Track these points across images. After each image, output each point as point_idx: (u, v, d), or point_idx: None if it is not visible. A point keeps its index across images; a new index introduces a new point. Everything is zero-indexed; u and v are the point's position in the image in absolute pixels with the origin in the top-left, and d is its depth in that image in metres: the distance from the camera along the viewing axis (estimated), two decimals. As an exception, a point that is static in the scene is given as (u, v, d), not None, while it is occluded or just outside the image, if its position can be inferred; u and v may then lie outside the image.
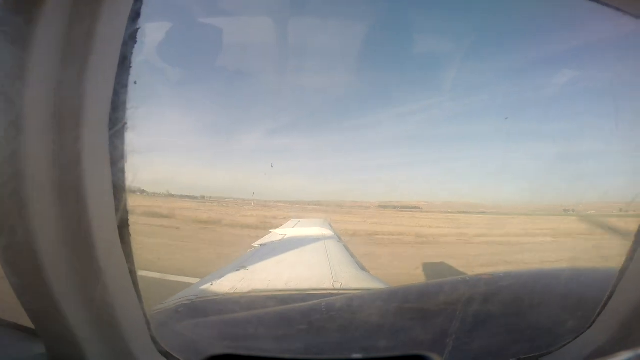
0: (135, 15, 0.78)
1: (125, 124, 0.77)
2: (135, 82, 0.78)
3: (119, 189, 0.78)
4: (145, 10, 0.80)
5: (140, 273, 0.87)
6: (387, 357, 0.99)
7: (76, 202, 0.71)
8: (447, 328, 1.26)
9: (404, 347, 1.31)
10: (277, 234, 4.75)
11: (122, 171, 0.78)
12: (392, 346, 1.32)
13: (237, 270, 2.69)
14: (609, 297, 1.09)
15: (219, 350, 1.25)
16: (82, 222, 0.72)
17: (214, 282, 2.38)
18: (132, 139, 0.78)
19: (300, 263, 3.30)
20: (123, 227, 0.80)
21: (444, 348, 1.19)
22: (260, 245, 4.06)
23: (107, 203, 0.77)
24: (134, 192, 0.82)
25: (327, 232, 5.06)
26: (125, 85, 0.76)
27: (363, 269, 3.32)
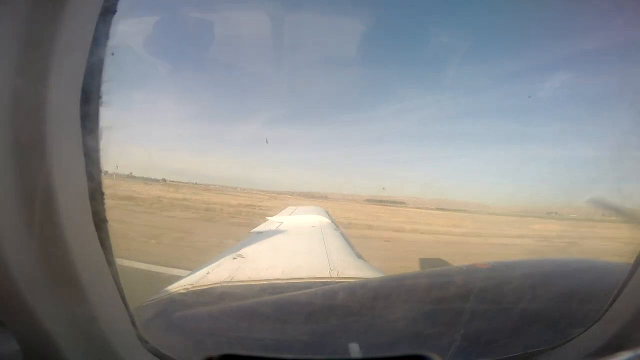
0: None
1: (100, 98, 0.68)
2: (112, 54, 0.69)
3: (92, 170, 0.70)
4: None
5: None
6: (387, 357, 0.96)
7: (43, 184, 0.62)
8: (444, 319, 1.24)
9: (401, 337, 1.29)
10: (273, 222, 4.71)
11: (96, 150, 0.70)
12: (389, 334, 1.30)
13: (234, 258, 2.66)
14: (619, 292, 1.07)
15: (216, 342, 1.21)
16: (49, 205, 0.63)
17: (210, 271, 2.34)
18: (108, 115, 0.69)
19: (297, 251, 3.29)
20: (98, 212, 0.72)
21: (443, 339, 1.17)
22: (257, 232, 4.03)
23: (79, 185, 0.68)
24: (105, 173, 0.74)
25: (324, 219, 5.04)
26: (102, 57, 0.67)
27: (360, 257, 3.32)
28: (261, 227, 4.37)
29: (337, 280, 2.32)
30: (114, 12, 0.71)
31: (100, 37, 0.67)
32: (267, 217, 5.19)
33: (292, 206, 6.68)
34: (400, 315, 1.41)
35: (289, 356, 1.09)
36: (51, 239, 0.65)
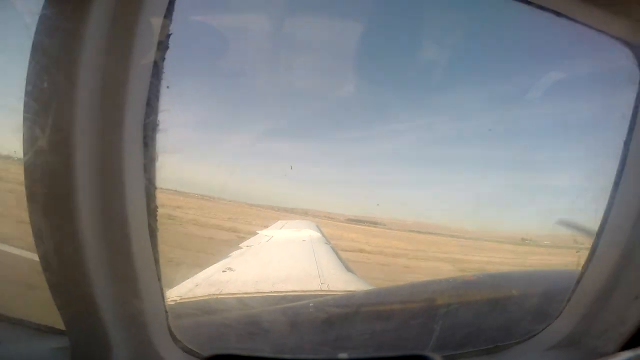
0: (168, 22, 0.79)
1: (158, 125, 0.79)
2: (168, 87, 0.79)
3: (150, 190, 0.80)
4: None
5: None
6: (387, 357, 1.04)
7: (116, 204, 0.74)
8: (430, 321, 1.33)
9: (389, 344, 1.36)
10: (264, 235, 4.72)
11: (154, 172, 0.80)
12: (378, 344, 1.36)
13: (224, 271, 2.67)
14: (572, 292, 1.21)
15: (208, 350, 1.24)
16: (120, 222, 0.75)
17: (198, 283, 2.35)
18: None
19: (288, 265, 3.31)
20: (153, 228, 0.82)
21: (429, 338, 1.26)
22: (247, 246, 4.03)
23: (140, 203, 0.79)
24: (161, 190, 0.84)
25: (314, 233, 5.08)
26: (158, 90, 0.78)
27: (350, 270, 3.37)
28: (251, 241, 4.36)
29: (328, 293, 2.36)
30: (167, 47, 0.79)
31: (157, 72, 0.77)
32: (257, 231, 5.19)
33: (282, 220, 6.70)
34: (388, 323, 1.47)
35: (288, 356, 1.14)
36: (120, 255, 0.76)
